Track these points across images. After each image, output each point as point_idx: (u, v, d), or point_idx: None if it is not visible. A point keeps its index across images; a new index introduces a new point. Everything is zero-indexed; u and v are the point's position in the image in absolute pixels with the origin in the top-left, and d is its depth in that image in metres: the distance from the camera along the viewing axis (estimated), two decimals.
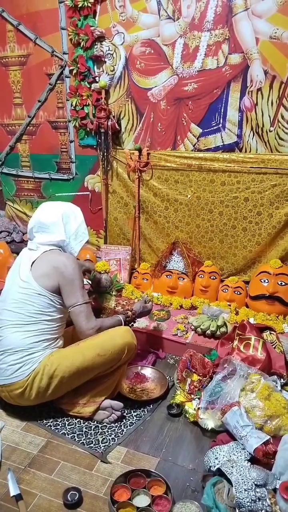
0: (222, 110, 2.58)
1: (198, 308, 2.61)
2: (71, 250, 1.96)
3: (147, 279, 2.93)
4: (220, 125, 2.61)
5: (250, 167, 2.55)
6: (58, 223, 1.91)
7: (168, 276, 2.82)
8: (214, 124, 2.62)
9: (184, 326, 2.46)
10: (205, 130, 2.66)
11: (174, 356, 2.39)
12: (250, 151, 2.58)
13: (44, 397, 1.82)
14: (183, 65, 2.60)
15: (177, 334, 2.41)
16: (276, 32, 2.32)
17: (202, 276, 2.74)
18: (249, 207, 2.63)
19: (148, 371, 2.20)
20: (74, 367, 1.79)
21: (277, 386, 1.94)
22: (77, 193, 3.17)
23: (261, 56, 2.39)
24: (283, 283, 2.47)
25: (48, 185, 3.30)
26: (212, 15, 2.43)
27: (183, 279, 2.80)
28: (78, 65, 2.85)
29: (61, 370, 1.77)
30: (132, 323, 2.11)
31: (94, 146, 3.00)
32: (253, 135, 2.54)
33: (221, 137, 2.63)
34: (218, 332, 2.35)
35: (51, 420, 1.88)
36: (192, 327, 2.43)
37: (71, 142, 3.09)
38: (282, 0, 2.26)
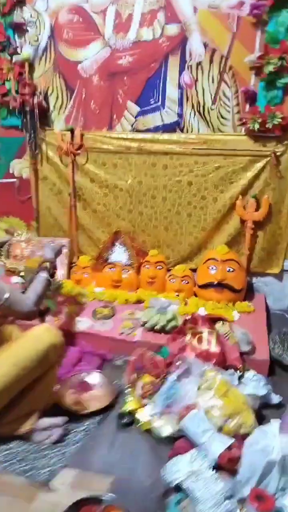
0: (161, 86, 2.38)
1: (145, 302, 2.43)
2: None
3: (88, 274, 2.68)
4: (159, 103, 2.42)
5: (193, 149, 2.39)
6: None
7: (111, 269, 2.60)
8: (152, 102, 2.43)
9: (131, 323, 2.26)
10: (143, 109, 2.45)
11: (122, 357, 2.17)
12: (192, 131, 2.42)
13: None
14: (116, 35, 2.35)
15: (123, 333, 2.20)
16: (215, 1, 2.16)
17: (148, 266, 2.56)
18: (193, 192, 2.48)
19: (93, 377, 1.96)
20: None
21: (233, 381, 1.82)
22: (1, 180, 2.81)
23: (199, 27, 2.23)
24: (231, 269, 2.36)
25: None
26: None
27: (128, 271, 2.59)
28: None
29: None
30: (54, 272, 1.96)
31: (19, 127, 2.66)
32: (194, 114, 2.38)
33: (161, 116, 2.44)
34: (168, 327, 2.18)
35: None
36: (140, 323, 2.24)
37: None
38: None
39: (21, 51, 2.51)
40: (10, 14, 2.46)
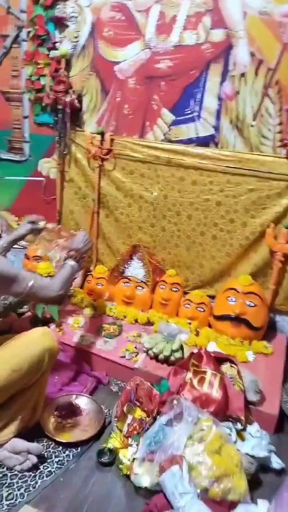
0: (199, 96, 2.19)
1: (155, 324, 2.26)
2: None
3: (102, 285, 2.55)
4: (195, 114, 2.22)
5: (226, 167, 2.18)
6: None
7: (126, 284, 2.46)
8: (188, 112, 2.24)
9: (135, 347, 2.11)
10: (178, 118, 2.27)
11: (119, 382, 2.04)
12: (227, 147, 2.21)
13: None
14: (157, 37, 2.19)
15: (125, 356, 2.06)
16: (267, 6, 1.93)
17: (164, 287, 2.39)
18: (221, 213, 2.27)
19: (83, 401, 1.85)
20: None
21: (231, 435, 1.62)
22: (29, 178, 2.75)
23: (247, 34, 2.00)
24: (252, 304, 2.14)
25: None
26: None
27: (142, 288, 2.43)
28: (36, 27, 2.41)
29: None
30: (81, 262, 1.90)
31: (51, 125, 2.58)
32: (232, 129, 2.17)
33: (195, 128, 2.24)
34: (172, 357, 2.01)
35: None
36: (144, 348, 2.08)
37: (25, 118, 2.65)
38: None
39: (59, 47, 2.41)
40: (52, 8, 2.37)
